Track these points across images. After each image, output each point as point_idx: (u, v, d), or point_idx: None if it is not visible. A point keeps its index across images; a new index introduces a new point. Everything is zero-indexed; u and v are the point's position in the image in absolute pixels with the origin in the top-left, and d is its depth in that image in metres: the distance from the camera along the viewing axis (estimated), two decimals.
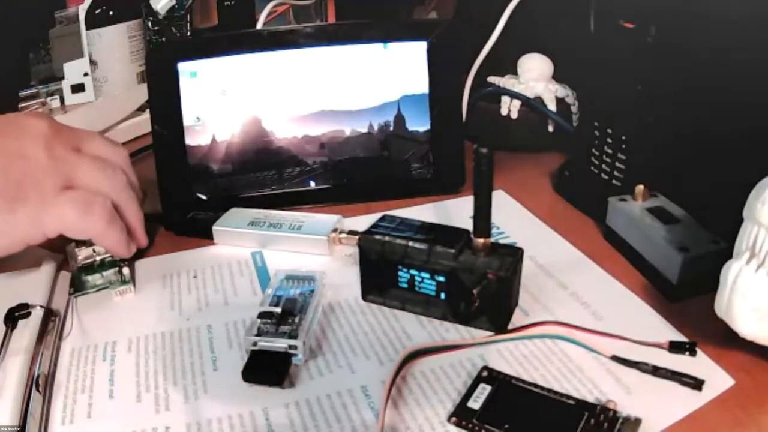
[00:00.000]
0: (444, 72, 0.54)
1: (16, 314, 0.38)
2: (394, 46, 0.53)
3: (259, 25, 0.72)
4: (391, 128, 0.54)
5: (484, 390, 0.33)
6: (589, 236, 0.48)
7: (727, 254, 0.33)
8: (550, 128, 0.61)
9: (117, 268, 0.43)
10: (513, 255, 0.38)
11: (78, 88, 0.78)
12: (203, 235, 0.49)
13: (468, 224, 0.38)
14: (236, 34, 0.56)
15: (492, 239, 0.38)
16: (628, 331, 0.38)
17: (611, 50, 0.47)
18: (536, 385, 0.34)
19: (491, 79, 0.63)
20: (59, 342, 0.39)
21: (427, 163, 0.55)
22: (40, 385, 0.34)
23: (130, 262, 0.45)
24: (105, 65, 0.75)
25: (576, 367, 0.35)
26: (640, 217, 0.44)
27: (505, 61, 0.63)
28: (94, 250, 0.44)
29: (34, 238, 0.39)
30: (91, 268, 0.44)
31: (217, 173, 0.53)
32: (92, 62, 0.76)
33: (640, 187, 0.45)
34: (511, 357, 0.36)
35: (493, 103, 0.62)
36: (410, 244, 0.39)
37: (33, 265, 0.43)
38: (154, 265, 0.46)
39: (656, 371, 0.34)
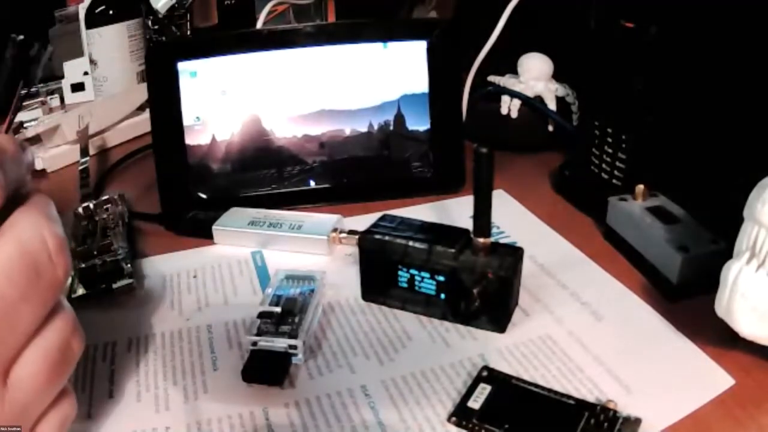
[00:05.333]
0: (444, 71, 0.54)
1: None
2: (394, 46, 0.53)
3: (259, 25, 0.72)
4: (391, 128, 0.54)
5: (484, 390, 0.33)
6: (589, 236, 0.48)
7: (727, 254, 0.33)
8: (550, 128, 0.61)
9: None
10: (513, 255, 0.38)
11: (78, 87, 0.78)
12: (203, 234, 0.49)
13: (468, 224, 0.38)
14: (236, 34, 0.56)
15: (492, 239, 0.38)
16: (628, 331, 0.38)
17: (611, 50, 0.47)
18: (536, 385, 0.34)
19: (491, 78, 0.63)
20: None
21: (427, 163, 0.55)
22: None
23: (131, 261, 0.45)
24: (105, 64, 0.75)
25: (576, 367, 0.35)
26: (640, 216, 0.44)
27: (505, 61, 0.63)
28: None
29: None
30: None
31: (216, 173, 0.53)
32: (92, 61, 0.76)
33: (640, 187, 0.45)
34: (511, 357, 0.36)
35: (493, 102, 0.62)
36: (410, 243, 0.39)
37: None
38: (154, 265, 0.46)
39: None
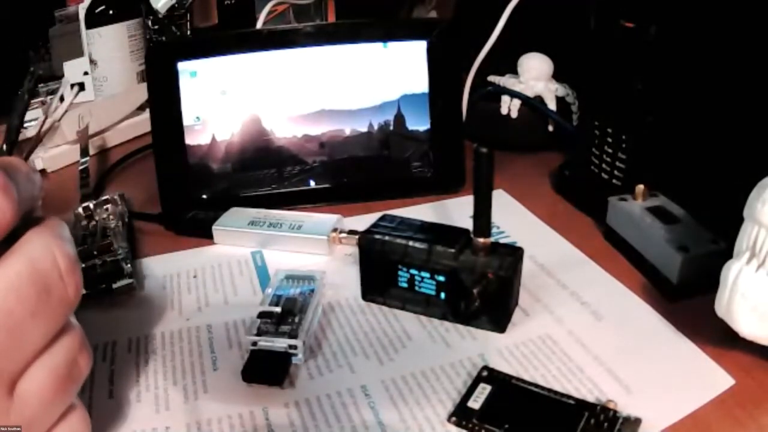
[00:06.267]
0: (444, 71, 0.54)
1: None
2: (394, 46, 0.53)
3: (258, 25, 0.72)
4: (391, 127, 0.54)
5: (484, 390, 0.33)
6: (589, 236, 0.48)
7: (727, 254, 0.33)
8: (550, 128, 0.61)
9: None
10: (513, 255, 0.38)
11: (78, 87, 0.78)
12: (203, 234, 0.49)
13: (468, 224, 0.38)
14: (236, 34, 0.56)
15: (492, 239, 0.38)
16: (628, 331, 0.38)
17: (611, 50, 0.47)
18: (536, 385, 0.34)
19: (491, 78, 0.63)
20: None
21: (427, 163, 0.55)
22: None
23: (131, 261, 0.45)
24: (105, 64, 0.75)
25: (576, 367, 0.35)
26: (640, 216, 0.44)
27: (505, 61, 0.63)
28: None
29: None
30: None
31: (216, 173, 0.53)
32: (92, 61, 0.76)
33: (640, 187, 0.45)
34: (511, 357, 0.36)
35: (493, 102, 0.62)
36: (410, 243, 0.39)
37: None
38: (154, 265, 0.46)
39: None
